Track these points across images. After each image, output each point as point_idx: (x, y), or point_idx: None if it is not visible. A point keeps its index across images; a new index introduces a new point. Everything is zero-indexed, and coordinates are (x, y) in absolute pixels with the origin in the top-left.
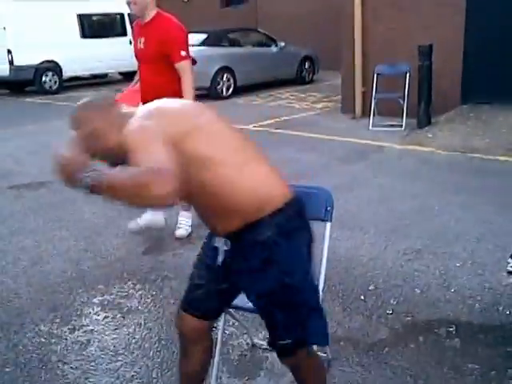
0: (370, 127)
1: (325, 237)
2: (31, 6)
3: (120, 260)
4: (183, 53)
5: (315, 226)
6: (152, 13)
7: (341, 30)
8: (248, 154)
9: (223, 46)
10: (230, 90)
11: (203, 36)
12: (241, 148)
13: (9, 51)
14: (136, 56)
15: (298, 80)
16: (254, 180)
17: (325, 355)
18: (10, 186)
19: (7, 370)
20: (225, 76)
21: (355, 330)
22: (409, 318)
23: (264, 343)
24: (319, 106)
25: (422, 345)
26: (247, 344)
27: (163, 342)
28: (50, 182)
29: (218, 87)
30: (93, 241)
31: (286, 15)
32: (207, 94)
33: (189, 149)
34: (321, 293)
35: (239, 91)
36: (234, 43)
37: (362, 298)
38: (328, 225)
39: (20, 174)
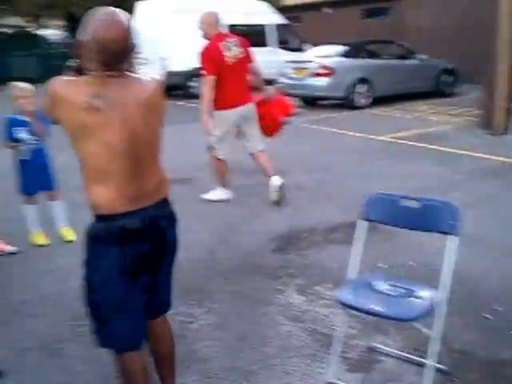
0: (509, 144)
1: (447, 249)
2: (184, 18)
3: (251, 255)
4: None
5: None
6: None
7: (484, 42)
8: None
9: (362, 57)
10: (366, 101)
11: (342, 48)
12: None
13: (163, 59)
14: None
15: (437, 93)
16: None
17: (442, 367)
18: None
19: None
20: (362, 87)
21: (474, 345)
22: None
23: (382, 347)
24: (456, 119)
25: None
26: (366, 346)
27: (286, 333)
28: (192, 178)
29: (355, 98)
30: (227, 236)
31: (428, 28)
32: (343, 103)
33: None
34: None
35: (376, 102)
36: (372, 55)
37: (486, 315)
38: (451, 238)
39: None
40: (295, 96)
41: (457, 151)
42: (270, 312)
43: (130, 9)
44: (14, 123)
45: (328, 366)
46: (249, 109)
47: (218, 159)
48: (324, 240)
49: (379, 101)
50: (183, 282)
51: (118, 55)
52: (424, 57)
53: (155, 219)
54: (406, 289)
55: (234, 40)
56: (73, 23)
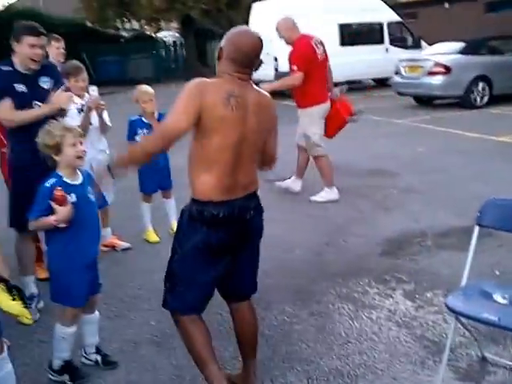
0: None
1: None
2: (297, 19)
3: (358, 258)
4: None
5: None
6: None
7: None
8: None
9: (481, 54)
10: (485, 99)
11: (460, 44)
12: None
13: (275, 59)
14: None
15: None
16: None
17: None
18: (264, 179)
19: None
20: (480, 85)
21: None
22: None
23: (495, 358)
24: None
25: None
26: (477, 356)
27: (393, 338)
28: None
29: (472, 96)
30: (335, 237)
31: None
32: (459, 102)
33: None
34: None
35: (496, 101)
36: (493, 51)
37: None
38: None
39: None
40: (407, 95)
41: None
42: (377, 316)
43: (245, 9)
44: (138, 125)
45: (436, 374)
46: (328, 106)
47: (322, 156)
48: (435, 245)
49: (500, 99)
50: (289, 283)
51: (252, 61)
52: None
53: (243, 209)
54: None
55: (317, 39)
56: (188, 26)
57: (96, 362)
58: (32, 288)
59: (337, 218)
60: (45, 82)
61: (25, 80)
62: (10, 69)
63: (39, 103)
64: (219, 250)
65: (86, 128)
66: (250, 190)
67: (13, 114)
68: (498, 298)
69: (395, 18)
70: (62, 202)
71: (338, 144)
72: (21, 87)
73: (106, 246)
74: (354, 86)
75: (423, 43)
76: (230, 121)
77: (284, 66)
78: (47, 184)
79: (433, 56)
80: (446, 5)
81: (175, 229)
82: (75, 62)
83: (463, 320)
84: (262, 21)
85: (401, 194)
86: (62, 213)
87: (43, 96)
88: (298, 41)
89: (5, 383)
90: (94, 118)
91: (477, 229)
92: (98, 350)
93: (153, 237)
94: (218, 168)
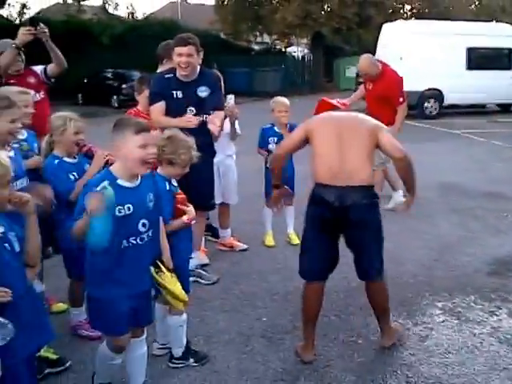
0: None
1: None
2: (424, 40)
3: (466, 275)
4: None
5: None
6: None
7: None
8: None
9: None
10: None
11: None
12: None
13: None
14: None
15: None
16: None
17: None
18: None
19: (357, 341)
20: None
21: None
22: None
23: None
24: None
25: None
26: None
27: (493, 353)
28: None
29: None
30: (444, 253)
31: None
32: None
33: None
34: None
35: None
36: None
37: None
38: None
39: None
40: None
41: None
42: (480, 332)
43: (375, 29)
44: (270, 133)
45: None
46: None
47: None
48: None
49: None
50: (398, 295)
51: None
52: None
53: (341, 197)
54: None
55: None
56: (317, 42)
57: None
58: None
59: (448, 236)
60: (202, 91)
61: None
62: (171, 75)
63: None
64: (321, 226)
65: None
66: (353, 183)
67: (157, 117)
68: None
69: None
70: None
71: (457, 166)
72: (178, 94)
73: (224, 245)
74: (478, 109)
75: None
76: None
77: (410, 85)
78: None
79: None
80: None
81: (294, 239)
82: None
83: None
84: (391, 41)
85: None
86: (191, 212)
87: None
88: (394, 72)
89: (139, 362)
90: (226, 124)
91: None
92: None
93: (270, 241)
94: (326, 159)
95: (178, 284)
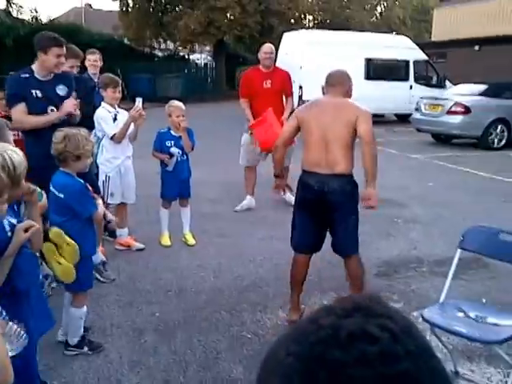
0: None
1: None
2: (323, 50)
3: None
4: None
5: None
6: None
7: None
8: None
9: (503, 97)
10: (503, 142)
11: (482, 87)
12: None
13: (300, 87)
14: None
15: None
16: None
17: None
18: (279, 199)
19: (247, 335)
20: (499, 127)
21: None
22: None
23: (468, 373)
24: None
25: None
26: (451, 371)
27: None
28: None
29: (490, 138)
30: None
31: None
32: (476, 143)
33: None
34: None
35: None
36: None
37: None
38: None
39: None
40: (426, 131)
41: None
42: None
43: (277, 38)
44: (166, 137)
45: None
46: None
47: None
48: (430, 271)
49: None
50: (287, 292)
51: None
52: None
53: (321, 183)
54: (494, 316)
55: None
56: (220, 50)
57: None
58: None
59: None
60: (61, 90)
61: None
62: (28, 75)
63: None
64: (305, 207)
65: (124, 135)
66: (333, 171)
67: (23, 118)
68: (470, 314)
69: (422, 56)
70: None
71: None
72: (37, 93)
73: (122, 244)
74: (377, 119)
75: (448, 83)
76: None
77: (307, 95)
78: None
79: (454, 96)
80: (476, 47)
81: (189, 240)
82: (112, 75)
83: (443, 338)
84: (291, 50)
85: (405, 223)
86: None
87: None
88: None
89: None
90: (130, 126)
91: (459, 252)
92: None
93: (166, 241)
94: (310, 149)
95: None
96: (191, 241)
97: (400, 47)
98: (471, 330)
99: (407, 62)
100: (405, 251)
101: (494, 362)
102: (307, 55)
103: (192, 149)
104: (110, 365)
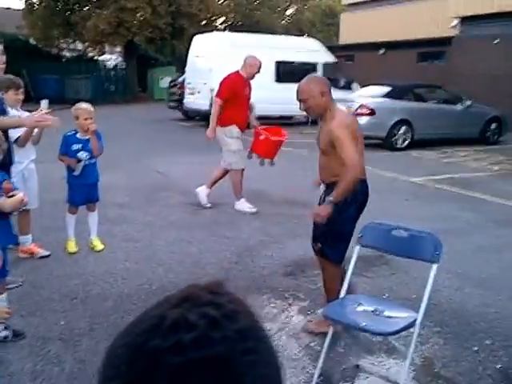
0: None
1: (430, 277)
2: (234, 53)
3: (263, 276)
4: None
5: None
6: None
7: None
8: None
9: (406, 99)
10: (406, 142)
11: (387, 89)
12: None
13: (211, 90)
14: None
15: (482, 140)
16: None
17: None
18: (189, 202)
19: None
20: (402, 129)
21: (458, 374)
22: None
23: (368, 366)
24: (496, 167)
25: None
26: (351, 363)
27: (281, 347)
28: (221, 204)
29: (394, 139)
30: (244, 257)
31: (482, 75)
32: (382, 143)
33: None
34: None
35: (416, 145)
36: (417, 98)
37: (475, 349)
38: (434, 266)
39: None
40: None
41: (487, 198)
42: (270, 327)
43: (187, 40)
44: (72, 140)
45: (313, 379)
46: None
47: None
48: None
49: (422, 144)
50: None
51: None
52: (470, 103)
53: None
54: (391, 309)
55: None
56: (130, 51)
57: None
58: None
59: (249, 240)
60: None
61: None
62: None
63: None
64: None
65: (27, 139)
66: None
67: None
68: (368, 308)
69: (331, 59)
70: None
71: (263, 174)
72: None
73: (25, 252)
74: (288, 121)
75: (355, 85)
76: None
77: None
78: None
79: (360, 98)
80: (381, 51)
81: (97, 246)
82: (14, 77)
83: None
84: (201, 52)
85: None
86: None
87: None
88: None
89: None
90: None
91: (357, 248)
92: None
93: (72, 247)
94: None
95: None
96: (99, 246)
97: (309, 50)
98: (368, 323)
99: (316, 65)
100: (311, 251)
101: (393, 354)
102: (218, 58)
103: (100, 152)
104: (11, 376)
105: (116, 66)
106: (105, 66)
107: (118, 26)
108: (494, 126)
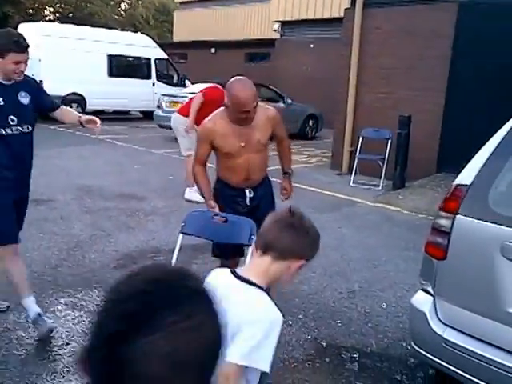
0: (351, 184)
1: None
2: (64, 43)
3: (92, 271)
4: None
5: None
6: None
7: (337, 95)
8: None
9: None
10: None
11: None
12: None
13: (41, 81)
14: None
15: (301, 135)
16: None
17: None
18: None
19: None
20: None
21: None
22: (324, 343)
23: None
24: (313, 160)
25: (325, 364)
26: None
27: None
28: (50, 199)
29: None
30: (73, 253)
31: (301, 76)
32: None
33: None
34: None
35: None
36: None
37: (290, 323)
38: (251, 248)
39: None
40: (166, 128)
41: (307, 187)
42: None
43: (14, 29)
44: None
45: None
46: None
47: None
48: (166, 259)
49: None
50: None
51: None
52: (291, 101)
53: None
54: None
55: None
56: None
57: None
58: None
59: (80, 236)
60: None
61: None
62: None
63: None
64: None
65: None
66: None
67: None
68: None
69: (163, 55)
70: None
71: (97, 169)
72: None
73: None
74: (122, 116)
75: (188, 82)
76: None
77: (48, 89)
78: None
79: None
80: (213, 50)
81: None
82: None
83: None
84: (29, 42)
85: (145, 215)
86: None
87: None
88: None
89: None
90: None
91: (180, 236)
92: None
93: None
94: None
95: None
96: None
97: (142, 45)
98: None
99: (149, 61)
100: (143, 243)
101: None
102: (46, 48)
103: None
104: None
105: None
106: None
107: None
108: (311, 122)
